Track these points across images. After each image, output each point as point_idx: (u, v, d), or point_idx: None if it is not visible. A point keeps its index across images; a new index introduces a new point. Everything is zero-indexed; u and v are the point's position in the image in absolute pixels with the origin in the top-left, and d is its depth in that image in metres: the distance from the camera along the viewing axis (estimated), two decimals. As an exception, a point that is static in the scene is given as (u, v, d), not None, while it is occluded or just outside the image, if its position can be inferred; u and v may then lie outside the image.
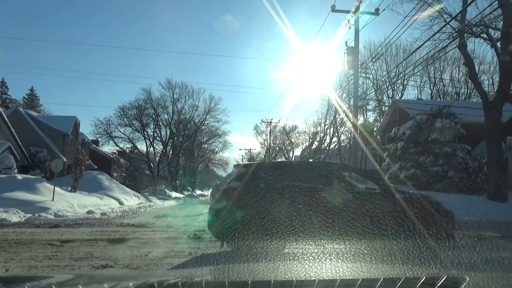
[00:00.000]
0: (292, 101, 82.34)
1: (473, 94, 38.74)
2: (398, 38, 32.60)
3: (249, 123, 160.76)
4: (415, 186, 20.01)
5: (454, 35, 17.02)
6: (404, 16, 14.69)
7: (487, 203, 15.06)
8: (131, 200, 26.74)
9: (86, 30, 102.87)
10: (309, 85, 49.84)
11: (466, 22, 16.08)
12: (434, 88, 40.37)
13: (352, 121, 18.51)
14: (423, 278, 1.72)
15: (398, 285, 1.56)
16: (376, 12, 16.76)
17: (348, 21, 17.42)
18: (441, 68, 38.78)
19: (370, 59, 15.80)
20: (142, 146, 48.07)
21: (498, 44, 16.44)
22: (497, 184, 15.69)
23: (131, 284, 1.60)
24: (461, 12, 15.25)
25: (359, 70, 16.92)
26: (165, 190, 47.04)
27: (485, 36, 19.50)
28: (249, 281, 1.62)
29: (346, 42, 17.33)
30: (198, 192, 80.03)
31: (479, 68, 36.75)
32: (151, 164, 45.91)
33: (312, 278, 1.71)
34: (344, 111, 26.67)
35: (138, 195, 30.90)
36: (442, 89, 40.14)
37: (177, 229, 9.71)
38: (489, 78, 37.88)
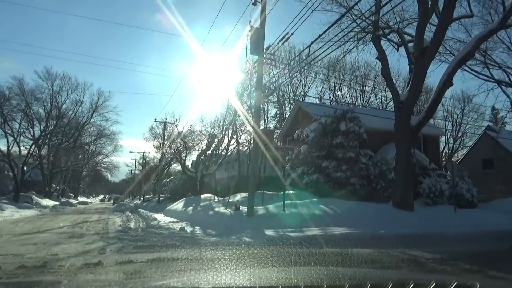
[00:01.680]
0: (190, 101, 78.51)
1: (367, 105, 39.97)
2: (301, 26, 31.91)
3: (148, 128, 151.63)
4: (317, 193, 18.23)
5: (367, 29, 15.62)
6: (309, 7, 12.52)
7: (397, 213, 13.60)
8: (-33, 210, 20.30)
9: None
10: (208, 83, 47.00)
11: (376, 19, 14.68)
12: (334, 96, 40.82)
13: (252, 120, 15.82)
14: (432, 283, 1.68)
15: None
16: (285, -10, 14.37)
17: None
18: (341, 77, 39.27)
19: (277, 43, 13.18)
20: (3, 145, 39.42)
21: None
22: (405, 191, 14.40)
23: None
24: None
25: (264, 56, 14.36)
26: (33, 196, 39.19)
27: (391, 37, 18.75)
28: (257, 286, 1.66)
29: (249, 21, 14.61)
30: (81, 199, 70.79)
31: (375, 79, 37.98)
32: (14, 166, 37.79)
33: (320, 284, 1.73)
34: (243, 113, 24.18)
35: (-17, 203, 24.08)
36: (341, 98, 40.73)
37: None
38: (382, 91, 39.40)
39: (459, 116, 38.36)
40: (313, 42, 11.86)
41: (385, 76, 14.94)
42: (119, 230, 12.22)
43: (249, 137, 28.03)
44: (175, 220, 16.64)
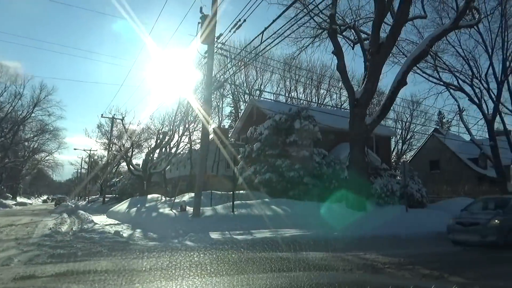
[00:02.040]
0: (140, 96, 75.64)
1: (322, 105, 40.15)
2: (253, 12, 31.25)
3: (96, 125, 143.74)
4: (269, 192, 17.56)
5: (323, 25, 15.17)
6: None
7: (350, 213, 13.19)
8: None
9: None
10: (159, 76, 45.24)
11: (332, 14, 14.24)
12: (289, 95, 40.63)
13: (203, 111, 14.81)
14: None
15: None
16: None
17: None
18: (296, 77, 39.15)
19: (229, 31, 12.30)
20: None
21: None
22: (358, 191, 14.05)
23: None
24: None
25: (216, 45, 13.39)
26: (-40, 197, 35.46)
27: (347, 34, 18.51)
28: None
29: (201, 9, 13.62)
30: (21, 199, 65.56)
31: (330, 78, 38.17)
32: None
33: None
34: (196, 107, 23.04)
35: None
36: (297, 98, 40.65)
37: None
38: (337, 91, 39.76)
39: (408, 118, 39.60)
40: (266, 29, 11.13)
41: (341, 71, 14.54)
42: (45, 235, 10.74)
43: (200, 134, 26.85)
44: (116, 222, 15.27)
